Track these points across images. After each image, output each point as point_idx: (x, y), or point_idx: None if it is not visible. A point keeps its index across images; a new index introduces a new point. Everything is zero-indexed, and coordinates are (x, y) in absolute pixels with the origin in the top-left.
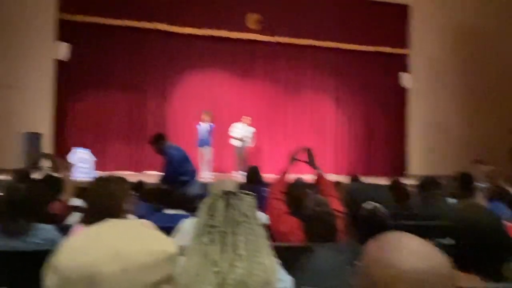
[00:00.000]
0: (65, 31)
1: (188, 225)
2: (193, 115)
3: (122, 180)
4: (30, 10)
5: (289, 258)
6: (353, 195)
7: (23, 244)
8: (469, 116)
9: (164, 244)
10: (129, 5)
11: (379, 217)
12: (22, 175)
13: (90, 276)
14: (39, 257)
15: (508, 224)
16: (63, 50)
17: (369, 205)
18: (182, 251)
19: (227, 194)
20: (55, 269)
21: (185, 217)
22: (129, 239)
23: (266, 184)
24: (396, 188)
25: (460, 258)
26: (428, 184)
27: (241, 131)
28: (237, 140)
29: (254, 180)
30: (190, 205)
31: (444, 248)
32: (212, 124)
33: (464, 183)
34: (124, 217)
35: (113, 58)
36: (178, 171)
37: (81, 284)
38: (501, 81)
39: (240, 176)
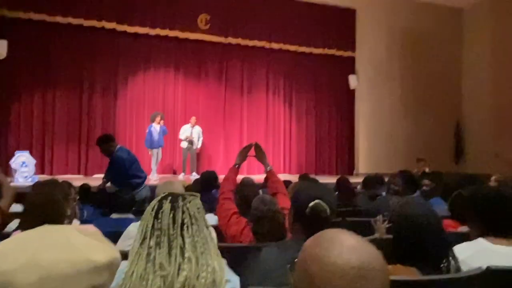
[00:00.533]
0: (4, 28)
1: (136, 229)
2: (144, 116)
3: (64, 184)
4: None
5: (238, 258)
6: (299, 193)
7: None
8: (413, 116)
9: (93, 254)
10: (77, 3)
11: (323, 214)
12: None
13: (5, 284)
14: None
15: (445, 219)
16: (1, 48)
17: (313, 202)
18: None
19: (174, 196)
20: None
21: (133, 221)
22: (55, 247)
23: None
24: (342, 186)
25: (400, 252)
26: (372, 182)
27: (188, 133)
28: (185, 142)
29: (212, 185)
30: (138, 209)
31: (385, 242)
32: (164, 126)
33: (405, 181)
34: (67, 223)
35: (58, 57)
36: (128, 174)
37: None
38: (443, 82)
39: (193, 178)
